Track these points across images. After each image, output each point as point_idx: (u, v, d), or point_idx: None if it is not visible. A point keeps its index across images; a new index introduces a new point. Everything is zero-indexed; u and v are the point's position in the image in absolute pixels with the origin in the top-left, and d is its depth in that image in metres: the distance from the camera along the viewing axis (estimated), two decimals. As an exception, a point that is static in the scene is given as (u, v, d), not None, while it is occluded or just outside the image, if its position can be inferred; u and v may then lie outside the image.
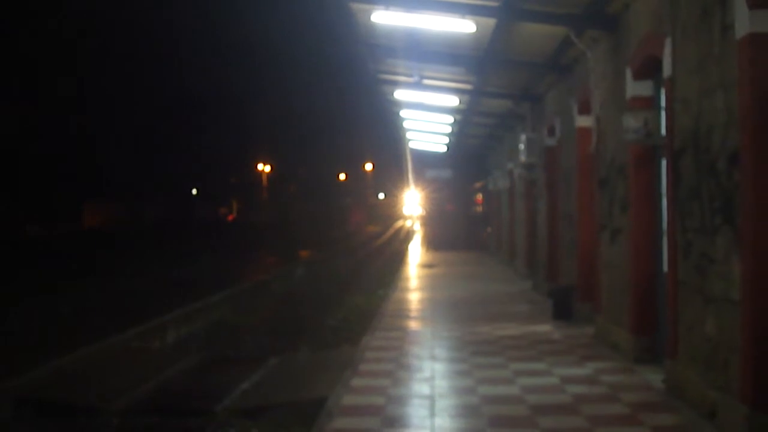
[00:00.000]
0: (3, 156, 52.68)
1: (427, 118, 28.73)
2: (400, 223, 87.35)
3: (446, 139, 35.14)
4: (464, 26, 13.66)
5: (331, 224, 76.00)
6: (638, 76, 10.53)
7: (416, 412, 8.62)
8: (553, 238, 17.66)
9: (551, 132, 17.46)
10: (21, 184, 55.87)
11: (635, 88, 10.59)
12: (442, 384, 9.89)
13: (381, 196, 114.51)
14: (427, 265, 30.10)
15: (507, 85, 19.88)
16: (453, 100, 22.87)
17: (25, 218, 58.58)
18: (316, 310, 19.91)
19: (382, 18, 14.05)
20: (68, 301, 21.48)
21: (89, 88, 59.97)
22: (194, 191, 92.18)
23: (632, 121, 10.03)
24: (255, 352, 14.68)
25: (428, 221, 44.39)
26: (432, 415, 8.43)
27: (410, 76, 20.10)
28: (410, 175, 46.47)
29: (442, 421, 8.22)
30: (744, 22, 6.88)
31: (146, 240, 48.85)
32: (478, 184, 39.63)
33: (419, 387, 9.75)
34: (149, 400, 11.29)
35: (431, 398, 9.13)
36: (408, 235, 62.59)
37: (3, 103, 53.03)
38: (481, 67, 17.18)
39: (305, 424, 8.80)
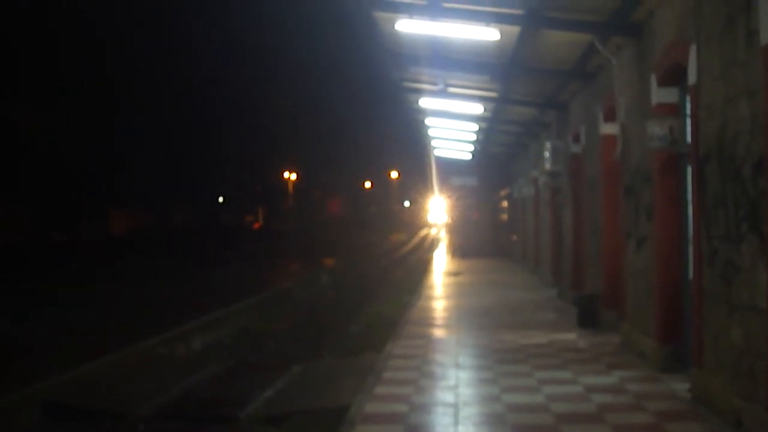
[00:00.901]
0: (28, 162, 53.21)
1: (452, 126, 28.71)
2: (425, 230, 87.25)
3: (471, 147, 35.10)
4: (488, 34, 13.64)
5: (356, 232, 76.01)
6: (663, 82, 10.47)
7: (440, 420, 8.60)
8: (579, 245, 17.58)
9: (576, 139, 17.39)
10: (46, 191, 56.39)
11: (660, 95, 10.53)
12: (466, 392, 9.86)
13: (406, 203, 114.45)
14: (452, 273, 30.05)
15: (532, 93, 19.82)
16: (478, 108, 22.82)
17: (49, 224, 59.11)
18: (339, 317, 19.97)
19: (406, 26, 14.07)
20: (93, 307, 21.65)
21: (116, 94, 60.41)
22: (220, 199, 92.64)
23: (657, 128, 9.98)
24: (278, 359, 14.72)
25: (453, 229, 44.32)
26: (456, 423, 8.40)
27: (435, 84, 20.10)
28: (435, 183, 46.45)
29: (466, 429, 8.20)
30: (769, 28, 6.83)
31: (171, 247, 49.11)
32: (503, 192, 39.53)
33: (443, 395, 9.73)
34: (173, 407, 11.36)
35: (455, 406, 9.10)
36: (433, 243, 62.53)
37: (29, 109, 53.59)
38: (505, 74, 17.15)
39: (328, 432, 8.82)
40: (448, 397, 9.60)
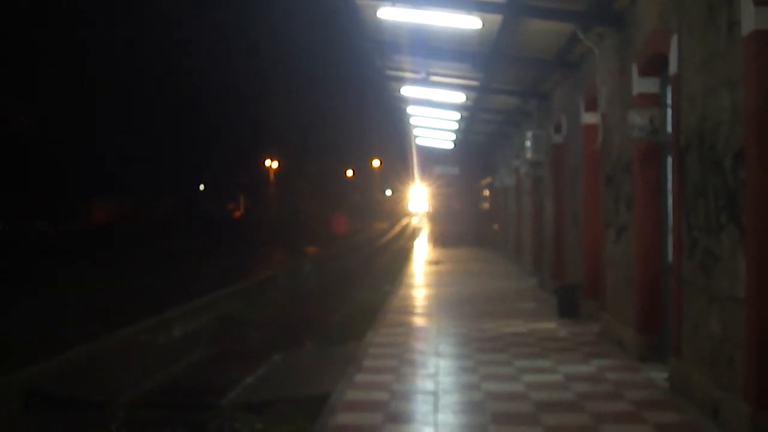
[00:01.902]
0: (11, 152, 52.77)
1: (434, 115, 28.70)
2: (406, 219, 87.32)
3: (453, 136, 35.13)
4: (471, 23, 13.63)
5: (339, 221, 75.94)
6: (644, 72, 10.50)
7: (420, 408, 8.62)
8: (559, 235, 17.64)
9: (558, 129, 17.43)
10: (28, 181, 55.98)
11: (641, 85, 10.56)
12: (446, 380, 9.88)
13: (388, 192, 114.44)
14: (433, 262, 30.10)
15: (514, 82, 19.85)
16: (460, 97, 22.84)
17: (33, 214, 58.71)
18: (321, 305, 19.98)
19: (388, 14, 14.03)
20: (76, 296, 21.54)
21: (96, 84, 59.94)
22: (201, 187, 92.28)
23: (638, 118, 10.02)
24: (260, 348, 14.72)
25: (435, 217, 44.41)
26: (435, 411, 8.43)
27: (417, 72, 20.09)
28: (417, 172, 46.49)
29: (446, 417, 8.22)
30: (750, 18, 6.85)
31: (154, 236, 48.92)
32: (484, 181, 39.60)
33: (423, 383, 9.75)
34: (156, 394, 11.35)
35: (435, 394, 9.13)
36: (414, 232, 62.60)
37: (10, 99, 53.11)
38: (487, 63, 17.15)
39: (309, 419, 8.82)
40: (428, 385, 9.62)
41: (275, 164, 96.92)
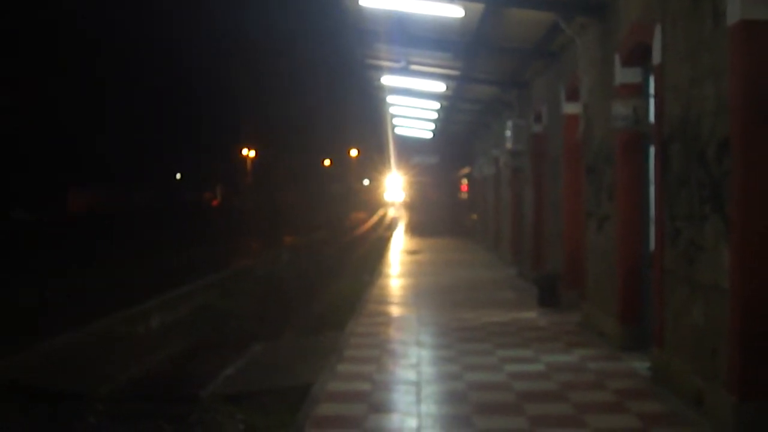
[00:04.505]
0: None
1: (413, 104, 28.66)
2: (384, 209, 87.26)
3: (432, 125, 35.10)
4: (452, 11, 13.59)
5: (317, 211, 75.78)
6: (627, 63, 10.49)
7: (402, 399, 8.59)
8: (539, 225, 17.66)
9: (538, 119, 17.43)
10: (3, 169, 55.37)
11: (624, 75, 10.55)
12: (428, 370, 9.86)
13: (366, 182, 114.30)
14: (411, 251, 30.09)
15: (494, 72, 19.82)
16: (440, 86, 22.80)
17: (8, 203, 58.13)
18: (300, 295, 19.89)
19: (370, 2, 13.95)
20: (55, 287, 21.31)
21: (73, 72, 59.32)
22: (178, 176, 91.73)
23: (621, 108, 10.02)
24: (239, 338, 14.62)
25: (413, 207, 44.40)
26: (418, 401, 8.40)
27: (397, 61, 20.02)
28: (395, 161, 46.43)
29: (429, 407, 8.19)
30: (735, 8, 6.83)
31: (131, 225, 48.56)
32: (463, 171, 39.61)
33: (405, 373, 9.72)
34: (134, 386, 11.23)
35: (417, 384, 9.10)
36: (393, 221, 62.58)
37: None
38: (468, 52, 17.12)
39: (290, 410, 8.76)
40: (411, 375, 9.59)
41: (252, 153, 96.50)
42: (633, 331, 10.63)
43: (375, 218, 72.94)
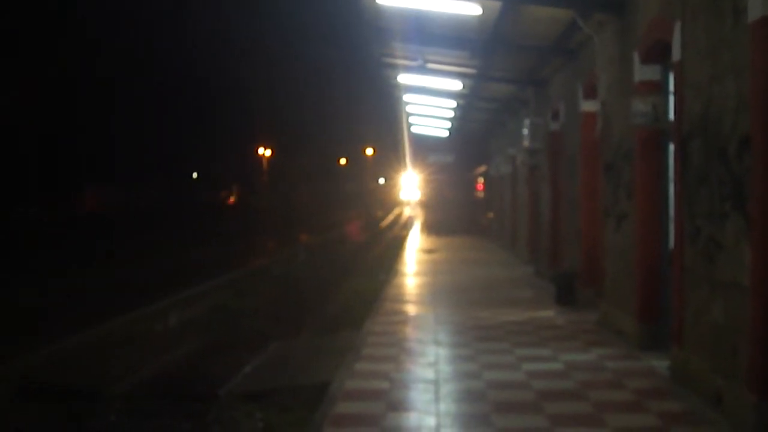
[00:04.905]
0: (2, 137, 52.44)
1: (429, 103, 28.62)
2: (400, 207, 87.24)
3: (449, 124, 35.04)
4: (470, 9, 13.55)
5: (332, 210, 75.86)
6: (646, 60, 10.42)
7: (421, 397, 8.56)
8: (556, 223, 17.60)
9: (555, 117, 17.37)
10: (20, 168, 55.67)
11: (643, 72, 10.48)
12: (446, 369, 9.84)
13: (381, 181, 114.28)
14: (427, 250, 30.04)
15: (511, 70, 19.76)
16: (456, 85, 22.75)
17: (24, 202, 58.46)
18: (317, 294, 19.90)
19: (387, 0, 13.94)
20: (71, 285, 21.42)
21: (92, 70, 59.61)
22: (195, 175, 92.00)
23: (641, 105, 9.96)
24: (257, 337, 14.64)
25: (429, 206, 44.32)
26: (437, 400, 8.38)
27: (414, 59, 19.98)
28: (411, 160, 46.36)
29: (447, 405, 8.17)
30: (756, 5, 6.77)
31: (147, 224, 48.74)
32: (480, 169, 39.53)
33: (423, 371, 9.69)
34: (152, 384, 11.26)
35: (436, 383, 9.08)
36: (409, 220, 62.53)
37: (2, 84, 52.74)
38: (485, 50, 17.07)
39: (308, 409, 8.76)
40: (429, 373, 9.57)
41: (268, 152, 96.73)
42: (652, 330, 10.57)
43: (391, 217, 72.90)
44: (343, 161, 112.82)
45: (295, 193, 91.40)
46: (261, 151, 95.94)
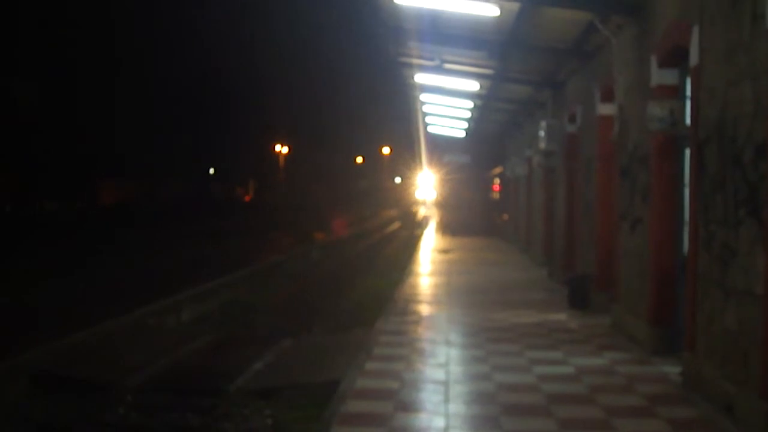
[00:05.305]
0: (19, 133, 52.76)
1: (446, 103, 28.59)
2: (416, 207, 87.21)
3: (465, 124, 34.98)
4: (488, 10, 13.53)
5: (348, 208, 75.93)
6: (664, 64, 10.38)
7: (430, 398, 8.56)
8: (571, 226, 17.54)
9: (572, 119, 17.31)
10: (37, 161, 56.01)
11: (660, 77, 10.44)
12: (456, 370, 9.83)
13: (397, 180, 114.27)
14: (442, 250, 30.02)
15: (528, 71, 19.72)
16: (473, 85, 22.71)
17: (41, 195, 58.85)
18: (330, 292, 19.92)
19: (405, 0, 13.93)
20: (85, 279, 21.53)
21: (107, 65, 59.95)
22: (211, 171, 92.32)
23: (658, 110, 9.91)
24: (268, 333, 14.66)
25: (445, 206, 44.27)
26: (446, 401, 8.37)
27: (431, 59, 19.97)
28: (427, 160, 46.34)
29: (457, 407, 8.17)
30: (775, 10, 6.74)
31: (162, 219, 48.91)
32: (495, 170, 39.46)
33: (434, 372, 9.70)
34: (163, 378, 11.29)
35: (446, 384, 9.07)
36: (424, 220, 62.49)
37: (16, 80, 53.06)
38: (503, 51, 17.04)
39: (318, 406, 8.77)
40: (439, 374, 9.57)
41: (285, 150, 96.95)
42: (664, 336, 10.53)
43: (406, 216, 72.87)
44: (359, 160, 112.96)
45: (310, 190, 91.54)
46: (278, 148, 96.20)
